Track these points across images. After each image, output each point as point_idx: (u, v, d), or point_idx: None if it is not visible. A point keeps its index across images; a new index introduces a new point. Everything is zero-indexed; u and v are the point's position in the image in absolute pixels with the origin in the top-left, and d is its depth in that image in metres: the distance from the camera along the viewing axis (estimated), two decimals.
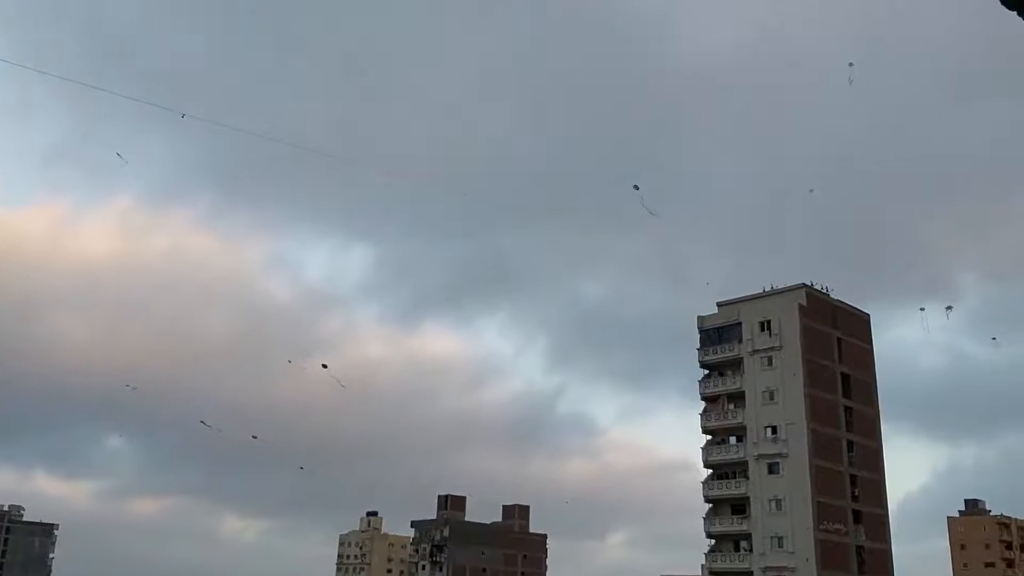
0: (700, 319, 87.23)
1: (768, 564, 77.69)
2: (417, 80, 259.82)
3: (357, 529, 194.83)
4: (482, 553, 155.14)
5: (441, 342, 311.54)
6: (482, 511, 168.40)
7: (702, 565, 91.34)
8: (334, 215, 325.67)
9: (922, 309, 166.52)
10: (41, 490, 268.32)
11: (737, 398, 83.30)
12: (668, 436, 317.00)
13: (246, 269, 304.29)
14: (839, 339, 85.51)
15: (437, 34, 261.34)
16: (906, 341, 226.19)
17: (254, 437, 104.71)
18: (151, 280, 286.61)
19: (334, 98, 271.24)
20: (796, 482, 78.08)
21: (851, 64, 74.45)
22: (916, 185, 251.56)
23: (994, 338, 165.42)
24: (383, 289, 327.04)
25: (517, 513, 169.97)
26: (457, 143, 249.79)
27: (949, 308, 66.59)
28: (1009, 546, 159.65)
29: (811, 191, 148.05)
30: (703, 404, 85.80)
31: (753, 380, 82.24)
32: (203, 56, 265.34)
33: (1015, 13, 6.99)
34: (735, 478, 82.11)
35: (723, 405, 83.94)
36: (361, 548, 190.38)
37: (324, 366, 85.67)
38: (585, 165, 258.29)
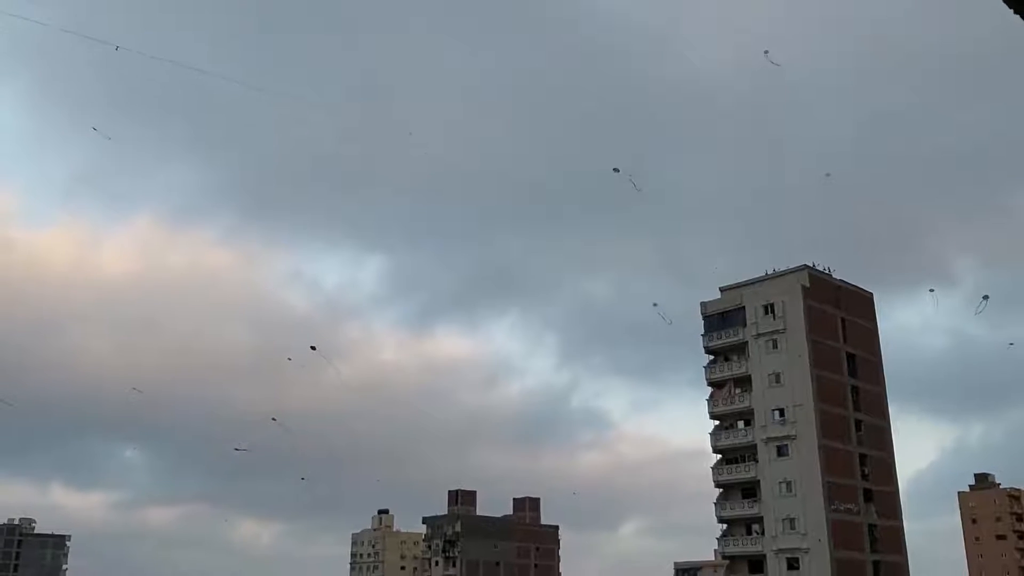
0: (703, 305, 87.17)
1: (781, 546, 77.77)
2: (424, 90, 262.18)
3: (369, 528, 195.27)
4: (495, 547, 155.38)
5: (453, 345, 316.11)
6: (493, 506, 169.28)
7: (715, 550, 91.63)
8: (346, 229, 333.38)
9: (931, 290, 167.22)
10: (57, 502, 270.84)
11: (743, 382, 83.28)
12: (679, 426, 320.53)
13: (263, 284, 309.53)
14: (843, 319, 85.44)
15: (444, 48, 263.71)
16: (908, 324, 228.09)
17: (273, 419, 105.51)
18: (170, 297, 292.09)
19: (343, 103, 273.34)
20: (805, 463, 78.12)
21: (766, 52, 76.74)
22: (915, 175, 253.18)
23: (1011, 344, 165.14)
24: (396, 297, 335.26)
25: (528, 506, 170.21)
26: (463, 150, 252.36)
27: (986, 298, 67.22)
28: (1020, 518, 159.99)
29: (827, 175, 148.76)
30: (710, 390, 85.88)
31: (759, 364, 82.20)
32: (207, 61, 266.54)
33: (1012, 11, 6.96)
34: (744, 462, 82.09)
35: (730, 390, 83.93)
36: (374, 546, 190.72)
37: (312, 348, 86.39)
38: (586, 168, 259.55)
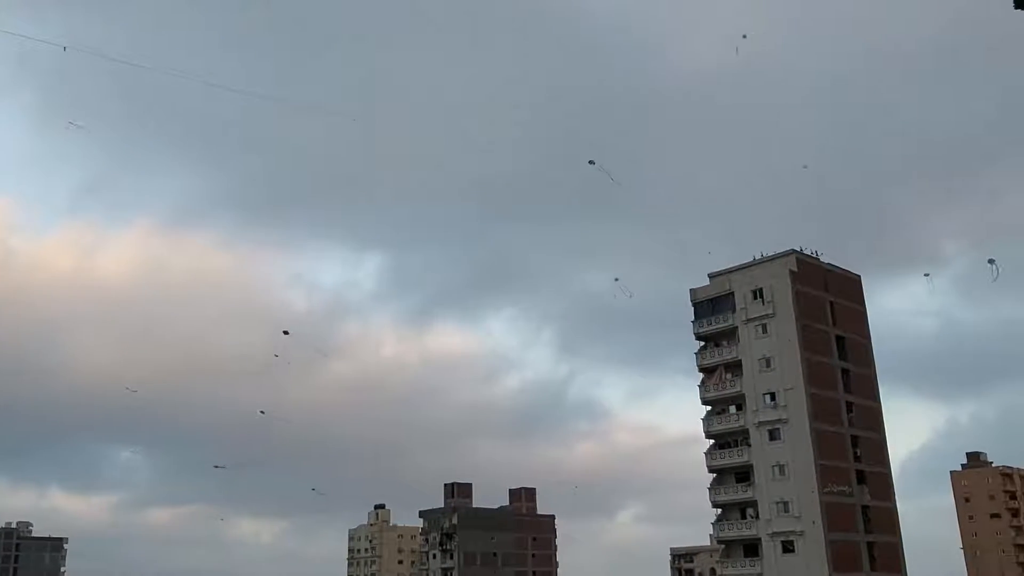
0: (692, 292, 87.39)
1: (775, 529, 78.18)
2: (418, 90, 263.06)
3: (366, 523, 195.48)
4: (491, 538, 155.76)
5: (452, 340, 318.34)
6: (490, 498, 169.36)
7: (710, 535, 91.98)
8: (343, 228, 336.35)
9: (926, 275, 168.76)
10: (56, 505, 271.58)
11: (734, 367, 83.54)
12: (673, 413, 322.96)
13: (262, 285, 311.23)
14: (831, 302, 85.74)
15: (437, 49, 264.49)
16: (896, 309, 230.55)
17: (261, 412, 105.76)
18: (170, 301, 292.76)
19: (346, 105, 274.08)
20: (798, 447, 78.45)
21: (744, 36, 77.49)
22: (899, 162, 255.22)
23: None
24: (394, 294, 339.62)
25: (524, 496, 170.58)
26: (456, 146, 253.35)
27: (991, 262, 67.73)
28: (1013, 496, 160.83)
29: (805, 167, 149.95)
30: (702, 376, 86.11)
31: (749, 348, 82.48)
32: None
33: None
34: (737, 447, 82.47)
35: (721, 375, 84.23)
36: (371, 541, 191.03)
37: (285, 332, 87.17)
38: (578, 162, 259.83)
